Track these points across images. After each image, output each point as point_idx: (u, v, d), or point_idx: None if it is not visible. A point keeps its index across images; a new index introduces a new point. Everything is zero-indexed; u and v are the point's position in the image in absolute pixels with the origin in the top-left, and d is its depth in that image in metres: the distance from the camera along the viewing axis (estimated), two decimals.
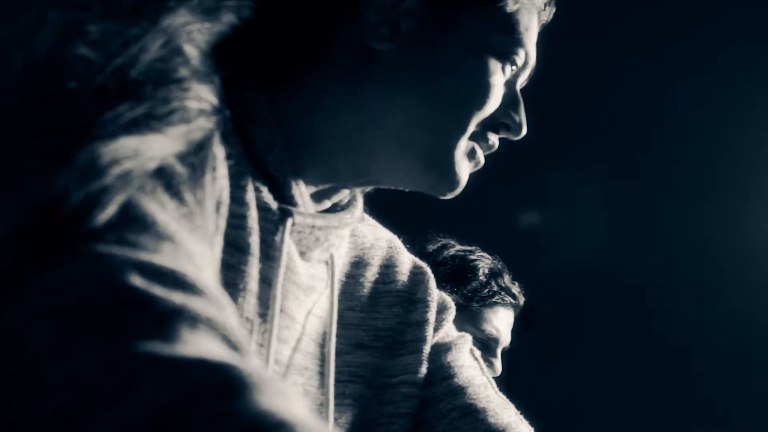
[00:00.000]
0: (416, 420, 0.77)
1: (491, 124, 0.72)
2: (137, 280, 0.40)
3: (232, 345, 0.41)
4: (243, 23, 0.58)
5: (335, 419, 0.71)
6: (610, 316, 3.15)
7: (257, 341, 0.64)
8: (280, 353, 0.67)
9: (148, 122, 0.48)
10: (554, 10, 0.75)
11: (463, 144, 0.69)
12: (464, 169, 0.71)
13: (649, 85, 3.12)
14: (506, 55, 0.69)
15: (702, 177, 3.13)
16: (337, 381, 0.72)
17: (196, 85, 0.52)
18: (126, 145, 0.46)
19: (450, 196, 0.72)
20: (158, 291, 0.40)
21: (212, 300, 0.43)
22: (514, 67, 0.71)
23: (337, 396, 0.72)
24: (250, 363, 0.40)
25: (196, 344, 0.38)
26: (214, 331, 0.40)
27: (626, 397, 3.07)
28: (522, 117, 0.73)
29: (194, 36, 0.53)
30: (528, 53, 0.72)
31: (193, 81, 0.52)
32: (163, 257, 0.43)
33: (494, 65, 0.69)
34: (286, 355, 0.68)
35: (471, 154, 0.72)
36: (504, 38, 0.69)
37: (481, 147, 0.73)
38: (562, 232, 3.25)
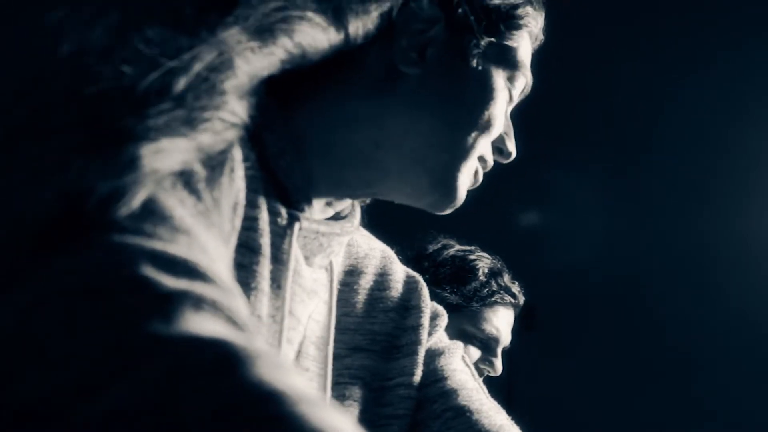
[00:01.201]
0: (411, 421, 0.79)
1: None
2: (147, 267, 0.41)
3: (237, 325, 0.42)
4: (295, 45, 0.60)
5: None
6: (610, 315, 3.15)
7: (268, 341, 0.65)
8: (286, 354, 0.68)
9: (182, 127, 0.50)
10: (542, 39, 0.79)
11: (470, 166, 0.73)
12: (465, 189, 0.74)
13: (649, 85, 3.13)
14: (511, 84, 0.74)
15: (702, 177, 3.13)
16: (337, 383, 0.74)
17: (233, 100, 0.54)
18: (157, 145, 0.47)
19: (447, 212, 0.75)
20: (166, 276, 0.41)
21: (222, 288, 0.44)
22: (515, 95, 0.76)
23: (337, 398, 0.74)
24: (254, 341, 0.41)
25: (197, 323, 0.39)
26: (219, 312, 0.41)
27: (626, 396, 3.07)
28: (513, 144, 0.78)
29: (247, 54, 0.55)
30: (527, 81, 0.77)
31: (233, 96, 0.54)
32: (177, 247, 0.44)
33: (503, 94, 0.73)
34: (292, 357, 0.70)
35: (473, 174, 0.76)
36: (511, 70, 0.74)
37: (480, 167, 0.77)
38: (562, 232, 3.26)
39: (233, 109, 0.54)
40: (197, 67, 0.51)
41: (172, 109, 0.49)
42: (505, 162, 0.79)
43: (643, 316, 3.11)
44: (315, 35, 0.62)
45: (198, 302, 0.40)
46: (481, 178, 0.77)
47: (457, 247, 1.60)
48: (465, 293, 1.54)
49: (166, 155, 0.48)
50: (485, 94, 0.72)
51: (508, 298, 1.57)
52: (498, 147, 0.77)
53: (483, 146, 0.73)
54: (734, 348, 2.98)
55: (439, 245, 1.60)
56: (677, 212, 3.15)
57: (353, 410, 0.75)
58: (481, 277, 1.56)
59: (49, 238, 0.43)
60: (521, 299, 1.61)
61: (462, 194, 0.74)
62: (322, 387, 0.71)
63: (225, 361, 0.37)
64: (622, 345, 3.11)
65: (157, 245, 0.44)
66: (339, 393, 0.74)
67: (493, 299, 1.55)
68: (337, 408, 0.39)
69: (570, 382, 3.06)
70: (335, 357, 0.73)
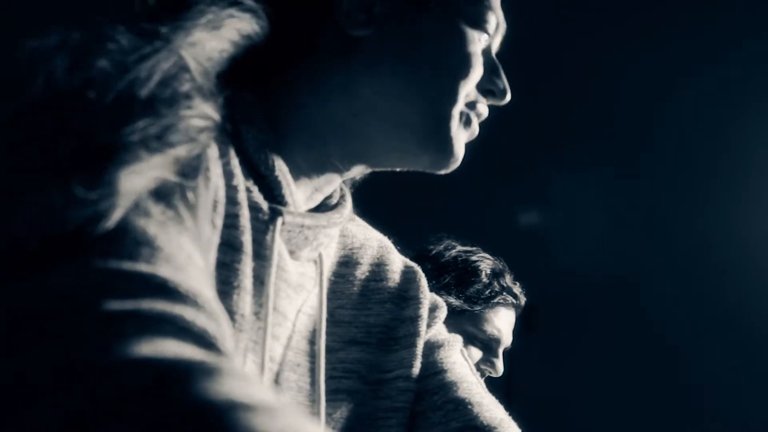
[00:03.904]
0: (410, 413, 0.78)
1: (477, 92, 0.74)
2: (95, 288, 0.41)
3: (194, 337, 0.41)
4: (243, 38, 0.61)
5: (330, 414, 0.72)
6: (610, 316, 3.15)
7: (252, 339, 0.64)
8: (273, 350, 0.68)
9: (156, 142, 0.49)
10: None
11: (457, 114, 0.71)
12: (461, 140, 0.72)
13: (650, 85, 3.13)
14: (479, 23, 0.72)
15: (702, 177, 3.13)
16: (330, 377, 0.73)
17: (200, 102, 0.53)
18: (133, 166, 0.47)
19: (449, 169, 0.73)
20: (112, 297, 0.40)
21: (180, 298, 0.43)
22: (487, 34, 0.73)
23: (331, 392, 0.72)
24: (209, 352, 0.40)
25: (137, 345, 0.38)
26: (167, 326, 0.40)
27: (626, 396, 3.07)
28: (504, 81, 0.75)
29: (199, 54, 0.55)
30: (498, 18, 0.74)
31: (198, 98, 0.53)
32: (134, 263, 0.43)
33: (470, 34, 0.71)
34: (279, 353, 0.69)
35: (467, 124, 0.73)
36: (474, 7, 0.72)
37: (474, 116, 0.74)
38: (562, 232, 3.26)
39: (202, 112, 0.53)
40: (158, 75, 0.51)
41: (142, 126, 0.48)
42: (501, 103, 0.75)
43: (643, 316, 3.11)
44: (256, 21, 0.62)
45: (143, 321, 0.40)
46: (477, 128, 0.74)
47: (459, 247, 1.60)
48: (468, 296, 1.54)
49: (142, 175, 0.47)
50: (448, 39, 0.70)
51: (509, 298, 1.57)
52: (489, 90, 0.74)
53: (464, 92, 0.70)
54: (735, 349, 2.98)
55: (441, 246, 1.59)
56: (677, 212, 3.15)
57: (347, 404, 0.74)
58: (483, 279, 1.55)
59: (9, 258, 0.42)
60: (522, 300, 1.61)
61: (458, 147, 0.71)
62: (313, 382, 0.70)
63: (162, 380, 0.36)
64: (622, 345, 3.11)
65: (112, 264, 0.43)
66: (333, 387, 0.73)
67: (495, 300, 1.55)
68: (300, 412, 0.38)
69: (570, 382, 3.06)
70: (329, 350, 0.72)
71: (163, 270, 0.44)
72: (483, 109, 0.74)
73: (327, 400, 0.72)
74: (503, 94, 0.75)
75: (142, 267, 0.43)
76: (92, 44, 0.51)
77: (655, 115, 3.17)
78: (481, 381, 0.82)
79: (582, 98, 3.15)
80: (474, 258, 1.58)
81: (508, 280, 1.59)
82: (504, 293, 1.56)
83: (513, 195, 3.18)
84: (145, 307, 0.41)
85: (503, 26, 0.75)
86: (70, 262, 0.42)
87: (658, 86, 3.11)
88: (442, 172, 0.73)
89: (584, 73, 3.10)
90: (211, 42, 0.57)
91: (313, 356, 0.71)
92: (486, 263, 1.58)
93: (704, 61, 3.05)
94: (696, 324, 3.03)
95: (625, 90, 3.15)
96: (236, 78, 0.61)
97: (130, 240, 0.45)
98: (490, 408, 0.77)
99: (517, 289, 1.59)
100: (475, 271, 1.55)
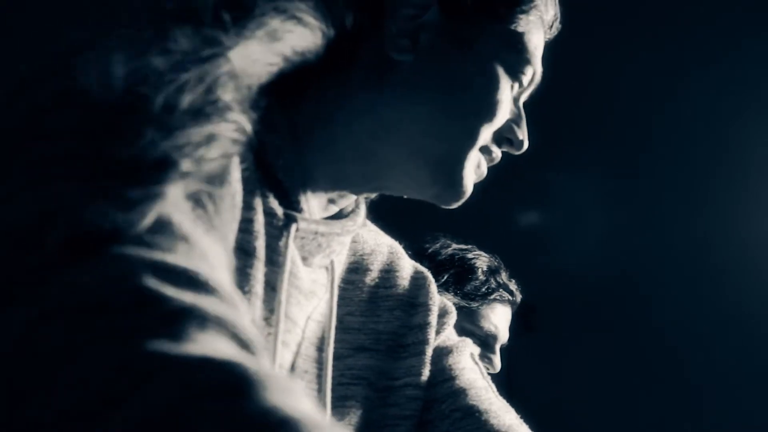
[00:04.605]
0: (418, 421, 0.78)
1: (495, 138, 0.74)
2: (150, 280, 0.40)
3: (242, 343, 0.41)
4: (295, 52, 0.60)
5: (338, 421, 0.72)
6: (610, 316, 3.15)
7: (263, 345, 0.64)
8: (282, 357, 0.68)
9: (195, 155, 0.49)
10: (560, 27, 0.77)
11: (473, 156, 0.71)
12: (470, 180, 0.72)
13: (649, 85, 3.12)
14: (515, 73, 0.72)
15: (702, 177, 3.13)
16: (338, 384, 0.73)
17: (238, 114, 0.53)
18: (170, 170, 0.46)
19: (453, 206, 0.74)
20: (170, 290, 0.40)
21: (224, 298, 0.43)
22: (521, 85, 0.74)
23: (339, 399, 0.73)
24: (259, 360, 0.40)
25: (204, 343, 0.38)
26: (224, 330, 0.40)
27: (626, 396, 3.07)
28: (524, 133, 0.76)
29: (249, 66, 0.55)
30: (536, 72, 0.75)
31: (237, 110, 0.53)
32: (176, 257, 0.43)
33: (505, 82, 0.71)
34: (289, 359, 0.69)
35: (477, 165, 0.74)
36: (515, 57, 0.72)
37: (484, 159, 0.75)
38: (562, 232, 3.25)
39: (239, 125, 0.52)
40: (206, 82, 0.50)
41: (188, 137, 0.48)
42: (517, 153, 0.76)
43: (643, 316, 3.11)
44: (313, 38, 0.61)
45: (203, 319, 0.39)
46: (485, 170, 0.75)
47: (454, 245, 1.61)
48: (466, 293, 1.54)
49: (179, 189, 0.47)
50: (484, 81, 0.70)
51: (506, 295, 1.58)
52: (507, 137, 0.75)
53: (485, 136, 0.71)
54: (734, 349, 2.97)
55: (438, 245, 1.60)
56: (677, 213, 3.14)
57: (355, 411, 0.74)
58: (480, 276, 1.56)
59: (50, 251, 0.41)
60: (518, 297, 1.62)
61: (467, 186, 0.72)
62: (320, 389, 0.70)
63: (233, 386, 0.36)
64: (622, 345, 3.11)
65: (157, 255, 0.42)
66: (341, 394, 0.73)
67: (491, 297, 1.56)
68: (345, 427, 0.39)
69: (570, 382, 3.06)
70: (337, 357, 0.72)
71: (201, 267, 0.43)
72: (497, 154, 0.75)
73: (335, 407, 0.72)
74: (520, 145, 0.76)
75: (184, 262, 0.43)
76: (154, 41, 0.51)
77: (655, 115, 3.16)
78: (491, 383, 0.82)
79: (582, 98, 3.14)
80: (470, 255, 1.59)
81: (504, 276, 1.60)
82: (500, 289, 1.57)
83: (513, 195, 3.17)
84: (201, 304, 0.40)
85: (539, 79, 0.75)
86: (107, 251, 0.42)
87: (658, 86, 3.11)
88: (446, 206, 0.74)
89: (584, 73, 3.09)
90: (264, 55, 0.57)
91: (320, 363, 0.71)
92: (482, 260, 1.59)
93: (704, 61, 3.05)
94: (696, 324, 3.02)
95: (625, 90, 3.15)
96: (267, 84, 0.61)
97: (168, 232, 0.44)
98: (497, 414, 0.77)
99: (513, 285, 1.60)
100: (472, 269, 1.56)
